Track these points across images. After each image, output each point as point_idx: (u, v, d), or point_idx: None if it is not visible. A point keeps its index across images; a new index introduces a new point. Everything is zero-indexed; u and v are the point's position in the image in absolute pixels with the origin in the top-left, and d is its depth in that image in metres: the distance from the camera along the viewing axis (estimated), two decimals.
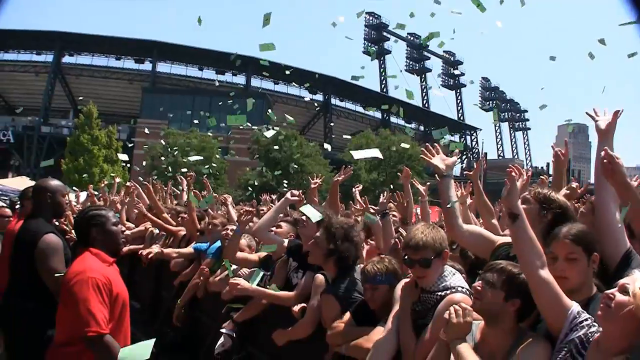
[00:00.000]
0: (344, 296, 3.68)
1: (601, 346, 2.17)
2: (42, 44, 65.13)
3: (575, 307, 2.36)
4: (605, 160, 2.69)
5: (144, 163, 40.43)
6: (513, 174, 2.63)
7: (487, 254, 3.16)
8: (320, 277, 3.98)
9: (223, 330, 4.83)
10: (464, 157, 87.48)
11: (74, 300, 2.96)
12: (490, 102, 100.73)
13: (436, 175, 3.28)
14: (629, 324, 2.06)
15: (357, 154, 4.74)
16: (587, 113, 3.18)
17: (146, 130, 39.25)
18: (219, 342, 4.81)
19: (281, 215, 5.27)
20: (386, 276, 3.39)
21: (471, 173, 5.30)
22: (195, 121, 42.44)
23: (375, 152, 4.52)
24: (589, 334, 2.25)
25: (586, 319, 2.30)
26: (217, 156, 41.98)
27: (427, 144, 3.59)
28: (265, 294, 4.33)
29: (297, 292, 4.24)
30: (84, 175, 35.94)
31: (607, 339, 2.15)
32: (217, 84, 63.10)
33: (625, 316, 2.06)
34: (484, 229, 3.59)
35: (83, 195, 10.48)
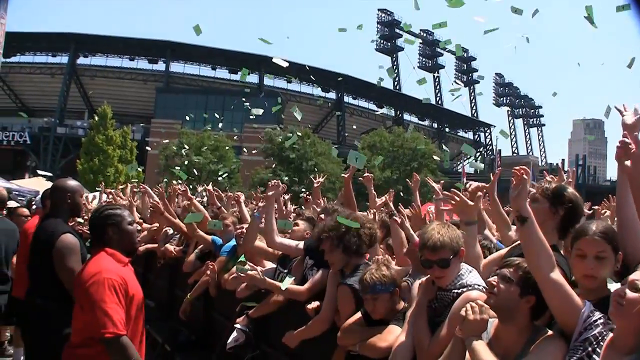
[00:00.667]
0: (358, 290, 3.67)
1: (615, 344, 2.16)
2: (57, 45, 65.85)
3: (587, 306, 2.33)
4: (618, 145, 2.65)
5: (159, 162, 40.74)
6: (522, 174, 2.60)
7: None
8: (335, 272, 3.99)
9: (237, 326, 4.85)
10: (477, 154, 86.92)
11: (90, 302, 2.96)
12: (504, 98, 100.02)
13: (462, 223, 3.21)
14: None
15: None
16: (615, 107, 3.13)
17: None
18: (232, 336, 4.82)
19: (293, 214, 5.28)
20: (386, 285, 3.35)
21: (487, 186, 5.10)
22: (216, 115, 42.18)
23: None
24: (604, 332, 2.23)
25: (599, 318, 2.28)
26: (234, 160, 42.12)
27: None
28: (277, 287, 4.31)
29: (309, 287, 4.23)
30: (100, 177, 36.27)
31: (620, 336, 2.14)
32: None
33: (638, 313, 2.04)
34: None
35: (104, 197, 10.59)
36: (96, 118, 43.56)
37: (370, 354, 3.27)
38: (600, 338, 2.22)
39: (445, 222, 3.36)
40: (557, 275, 2.37)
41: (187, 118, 41.05)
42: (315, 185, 6.31)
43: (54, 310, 3.86)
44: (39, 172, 17.80)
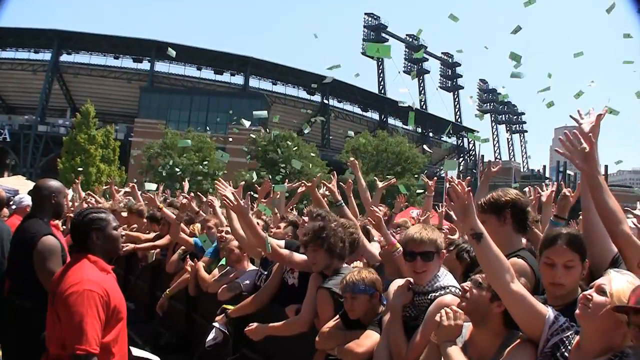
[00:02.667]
0: (339, 292, 3.71)
1: (582, 347, 2.21)
2: (40, 42, 65.02)
3: (550, 312, 2.37)
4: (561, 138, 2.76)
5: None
6: (462, 190, 2.50)
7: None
8: (316, 274, 4.03)
9: (215, 324, 4.86)
10: (461, 159, 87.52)
11: (68, 313, 2.80)
12: (488, 104, 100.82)
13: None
14: (607, 324, 2.11)
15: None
16: (571, 116, 3.18)
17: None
18: (211, 335, 4.82)
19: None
20: (366, 286, 3.42)
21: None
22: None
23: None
24: (570, 337, 2.29)
25: (564, 322, 2.34)
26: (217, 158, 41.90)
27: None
28: (276, 328, 4.16)
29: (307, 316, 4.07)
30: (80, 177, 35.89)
31: (587, 339, 2.20)
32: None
33: (604, 316, 2.10)
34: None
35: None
36: (79, 116, 43.07)
37: (348, 358, 3.31)
38: (567, 342, 2.28)
39: (429, 225, 3.46)
40: (517, 286, 2.39)
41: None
42: (300, 190, 6.35)
43: (32, 311, 3.82)
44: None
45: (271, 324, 4.13)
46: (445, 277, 3.14)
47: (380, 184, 6.61)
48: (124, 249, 6.85)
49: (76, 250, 3.18)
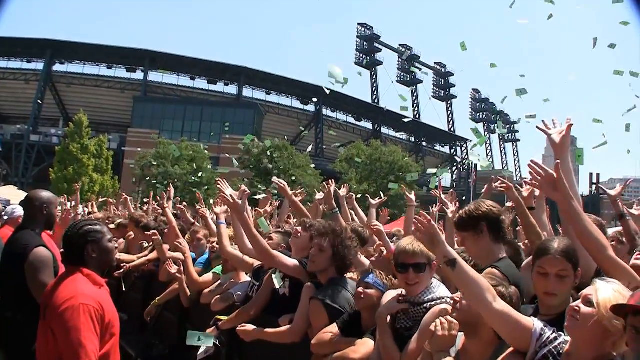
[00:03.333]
0: (332, 304, 3.71)
1: (572, 357, 2.22)
2: (32, 51, 64.97)
3: (536, 324, 2.37)
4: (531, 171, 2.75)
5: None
6: (428, 221, 2.48)
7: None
8: (310, 284, 4.02)
9: None
10: (454, 168, 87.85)
11: (64, 329, 2.77)
12: (481, 113, 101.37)
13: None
14: (596, 334, 2.12)
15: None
16: (537, 127, 3.16)
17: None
18: (202, 348, 4.79)
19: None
20: (382, 284, 3.45)
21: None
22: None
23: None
24: (559, 347, 2.30)
25: (552, 333, 2.35)
26: (209, 167, 41.84)
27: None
28: (268, 334, 4.14)
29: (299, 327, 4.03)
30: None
31: (577, 349, 2.21)
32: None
33: (592, 327, 2.12)
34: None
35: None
36: (72, 126, 42.93)
37: None
38: (556, 353, 2.29)
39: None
40: (499, 305, 2.37)
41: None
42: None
43: (24, 323, 3.79)
44: None
45: (264, 330, 4.10)
46: (439, 288, 3.15)
47: (372, 202, 6.64)
48: (117, 273, 6.83)
49: (69, 263, 3.13)
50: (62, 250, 4.06)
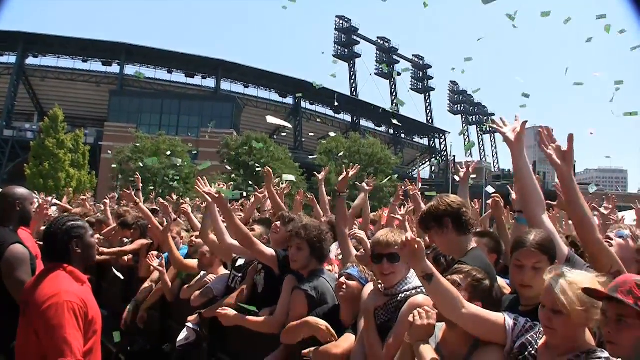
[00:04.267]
0: (313, 295, 3.76)
1: (549, 346, 2.29)
2: (4, 44, 63.33)
3: (507, 318, 2.44)
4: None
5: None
6: (410, 242, 2.47)
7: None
8: (291, 276, 4.06)
9: (189, 324, 4.85)
10: (433, 159, 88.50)
11: (48, 326, 2.77)
12: (459, 105, 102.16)
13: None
14: (571, 331, 2.20)
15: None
16: (490, 126, 3.21)
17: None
18: (183, 335, 4.81)
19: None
20: (365, 278, 3.49)
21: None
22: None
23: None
24: (535, 336, 2.37)
25: (526, 322, 2.42)
26: (186, 163, 41.52)
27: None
28: (249, 322, 4.16)
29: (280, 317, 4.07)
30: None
31: (553, 340, 2.27)
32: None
33: (566, 328, 2.19)
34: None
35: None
36: (47, 121, 42.12)
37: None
38: (533, 342, 2.36)
39: (396, 229, 3.54)
40: (468, 308, 2.44)
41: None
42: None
43: (1, 323, 3.75)
44: None
45: (246, 317, 4.12)
46: (415, 279, 3.15)
47: (365, 186, 6.59)
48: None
49: (51, 259, 3.12)
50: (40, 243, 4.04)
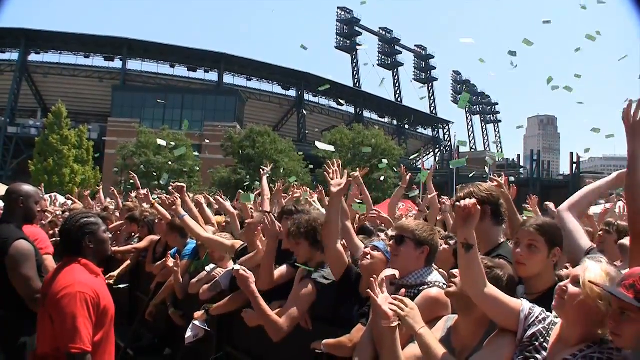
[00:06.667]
0: (322, 282, 3.77)
1: (562, 337, 2.26)
2: (6, 41, 63.34)
3: (525, 305, 2.41)
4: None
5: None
6: (473, 205, 2.47)
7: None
8: (302, 268, 4.03)
9: (196, 322, 4.85)
10: (437, 150, 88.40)
11: (61, 315, 2.92)
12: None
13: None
14: (582, 313, 2.16)
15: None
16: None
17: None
18: (189, 332, 4.81)
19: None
20: (389, 251, 3.38)
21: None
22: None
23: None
24: (548, 327, 2.34)
25: (540, 313, 2.38)
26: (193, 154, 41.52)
27: None
28: (271, 320, 3.86)
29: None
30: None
31: (565, 329, 2.25)
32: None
33: (578, 306, 2.15)
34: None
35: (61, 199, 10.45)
36: (50, 117, 42.15)
37: (338, 353, 3.31)
38: (545, 333, 2.32)
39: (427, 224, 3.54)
40: (489, 289, 2.43)
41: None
42: (280, 188, 6.44)
43: (8, 318, 3.75)
44: None
45: (268, 314, 3.81)
46: (432, 274, 3.14)
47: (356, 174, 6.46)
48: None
49: (66, 255, 3.26)
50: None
